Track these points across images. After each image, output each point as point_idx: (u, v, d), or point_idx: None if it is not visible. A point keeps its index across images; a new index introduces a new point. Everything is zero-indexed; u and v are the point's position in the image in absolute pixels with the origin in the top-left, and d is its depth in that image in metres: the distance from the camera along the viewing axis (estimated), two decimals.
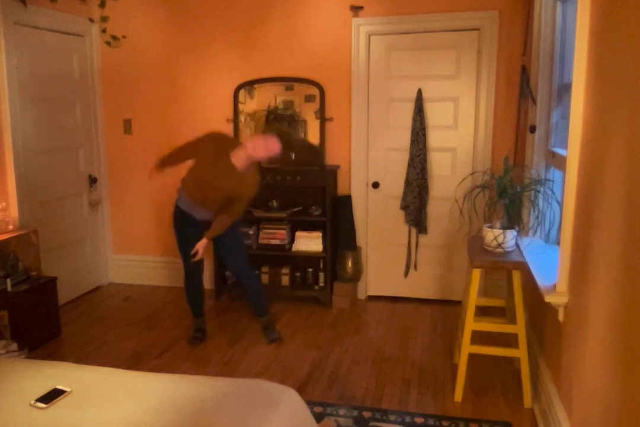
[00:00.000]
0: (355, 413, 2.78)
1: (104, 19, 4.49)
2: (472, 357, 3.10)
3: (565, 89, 3.02)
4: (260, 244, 4.33)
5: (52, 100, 4.16)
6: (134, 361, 3.37)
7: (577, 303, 2.22)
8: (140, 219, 4.76)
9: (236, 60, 4.37)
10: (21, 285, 3.53)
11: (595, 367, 1.91)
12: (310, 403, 2.66)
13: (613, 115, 1.84)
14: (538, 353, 3.00)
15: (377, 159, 4.29)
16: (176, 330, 3.85)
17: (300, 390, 2.97)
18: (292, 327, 3.89)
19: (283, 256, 4.34)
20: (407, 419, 2.72)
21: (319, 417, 2.69)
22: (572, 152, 2.28)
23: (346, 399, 2.93)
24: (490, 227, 2.93)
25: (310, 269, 4.41)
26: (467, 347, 2.88)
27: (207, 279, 4.39)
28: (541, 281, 2.52)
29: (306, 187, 4.31)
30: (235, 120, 4.39)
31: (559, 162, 2.83)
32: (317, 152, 3.68)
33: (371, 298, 4.48)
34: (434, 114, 4.13)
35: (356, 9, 4.09)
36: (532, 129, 3.38)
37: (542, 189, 2.93)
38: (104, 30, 4.52)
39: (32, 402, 2.01)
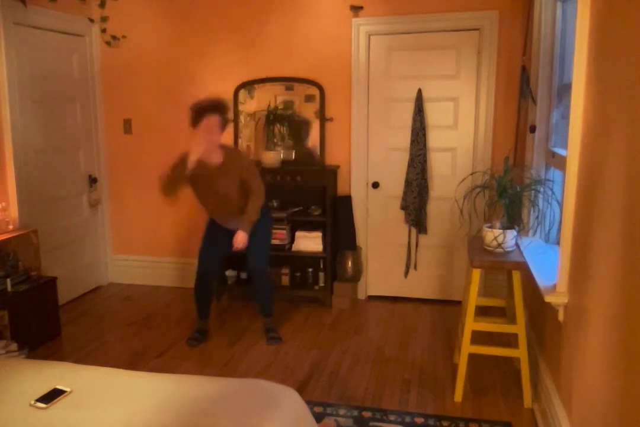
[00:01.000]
0: (355, 413, 2.78)
1: (104, 19, 4.49)
2: (472, 357, 3.10)
3: (565, 89, 3.01)
4: None
5: (52, 100, 4.16)
6: (134, 361, 3.37)
7: (577, 303, 2.22)
8: (140, 219, 4.76)
9: (236, 60, 4.37)
10: (21, 285, 3.53)
11: (595, 367, 1.91)
12: (310, 403, 2.66)
13: (613, 115, 1.84)
14: (538, 353, 2.99)
15: (377, 159, 4.29)
16: (176, 330, 3.85)
17: (300, 390, 2.97)
18: (292, 327, 3.89)
19: (283, 255, 4.34)
20: (407, 419, 2.72)
21: (319, 417, 2.69)
22: (572, 152, 2.28)
23: (346, 399, 2.93)
24: (490, 227, 2.93)
25: (310, 269, 4.41)
26: (467, 347, 2.88)
27: None
28: (541, 281, 2.52)
29: (306, 187, 4.31)
30: (235, 120, 4.39)
31: (559, 162, 2.83)
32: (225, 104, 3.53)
33: (371, 298, 4.48)
34: (434, 114, 4.13)
35: (356, 9, 4.09)
36: (532, 129, 3.38)
37: (542, 189, 2.92)
38: (103, 30, 4.52)
39: (32, 402, 2.01)
